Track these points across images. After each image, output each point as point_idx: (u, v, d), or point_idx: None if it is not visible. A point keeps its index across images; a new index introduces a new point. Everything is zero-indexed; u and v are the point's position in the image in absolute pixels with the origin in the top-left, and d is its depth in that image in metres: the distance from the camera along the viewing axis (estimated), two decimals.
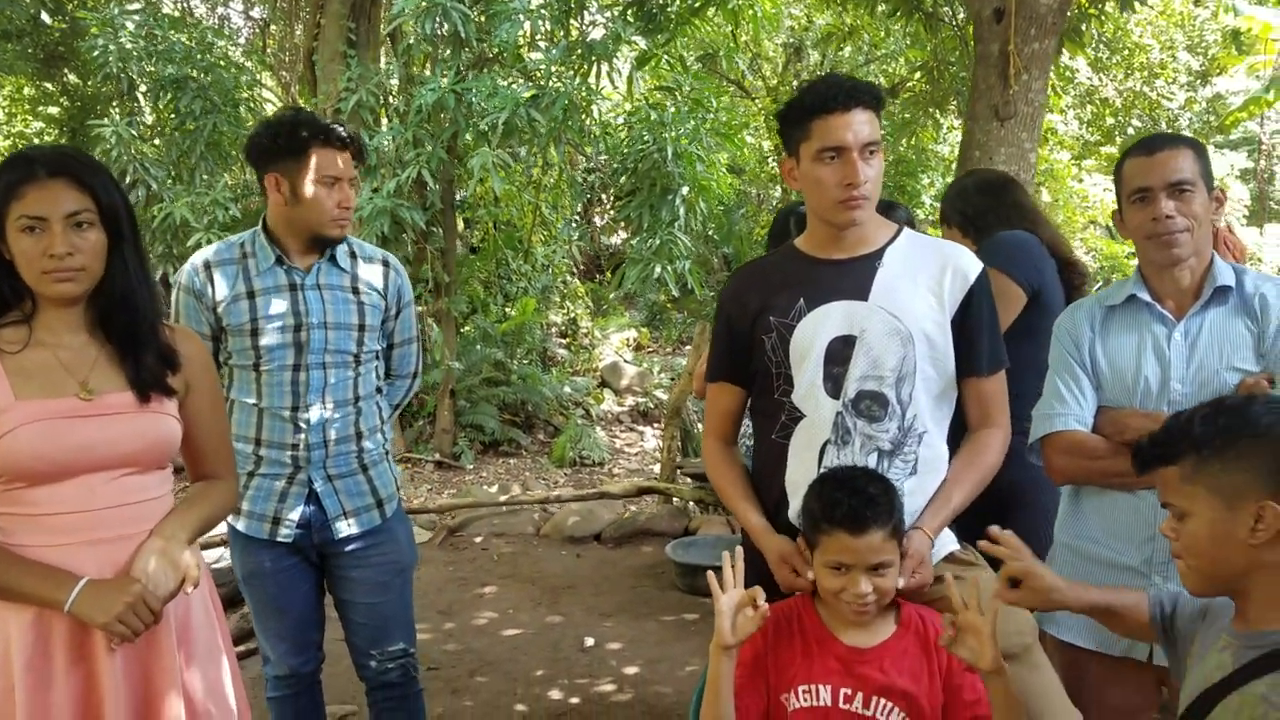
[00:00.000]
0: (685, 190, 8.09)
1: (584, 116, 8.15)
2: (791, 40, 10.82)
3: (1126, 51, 10.87)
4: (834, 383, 2.01)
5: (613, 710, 3.69)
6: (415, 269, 8.95)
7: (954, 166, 9.63)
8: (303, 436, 2.56)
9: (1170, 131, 11.67)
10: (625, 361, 11.18)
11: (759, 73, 12.27)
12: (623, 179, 8.34)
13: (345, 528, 2.62)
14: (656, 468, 8.89)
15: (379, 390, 2.74)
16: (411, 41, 8.72)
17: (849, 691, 1.86)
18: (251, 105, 9.80)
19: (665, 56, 8.61)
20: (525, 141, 7.99)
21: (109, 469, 1.84)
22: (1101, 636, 2.11)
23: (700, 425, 7.68)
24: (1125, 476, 2.05)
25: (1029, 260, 2.74)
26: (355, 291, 2.64)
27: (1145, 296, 2.12)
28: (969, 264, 2.08)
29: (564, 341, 11.16)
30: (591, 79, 8.26)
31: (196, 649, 1.96)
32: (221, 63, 9.26)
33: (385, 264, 2.73)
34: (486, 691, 3.85)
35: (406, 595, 2.78)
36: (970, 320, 2.06)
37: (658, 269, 7.97)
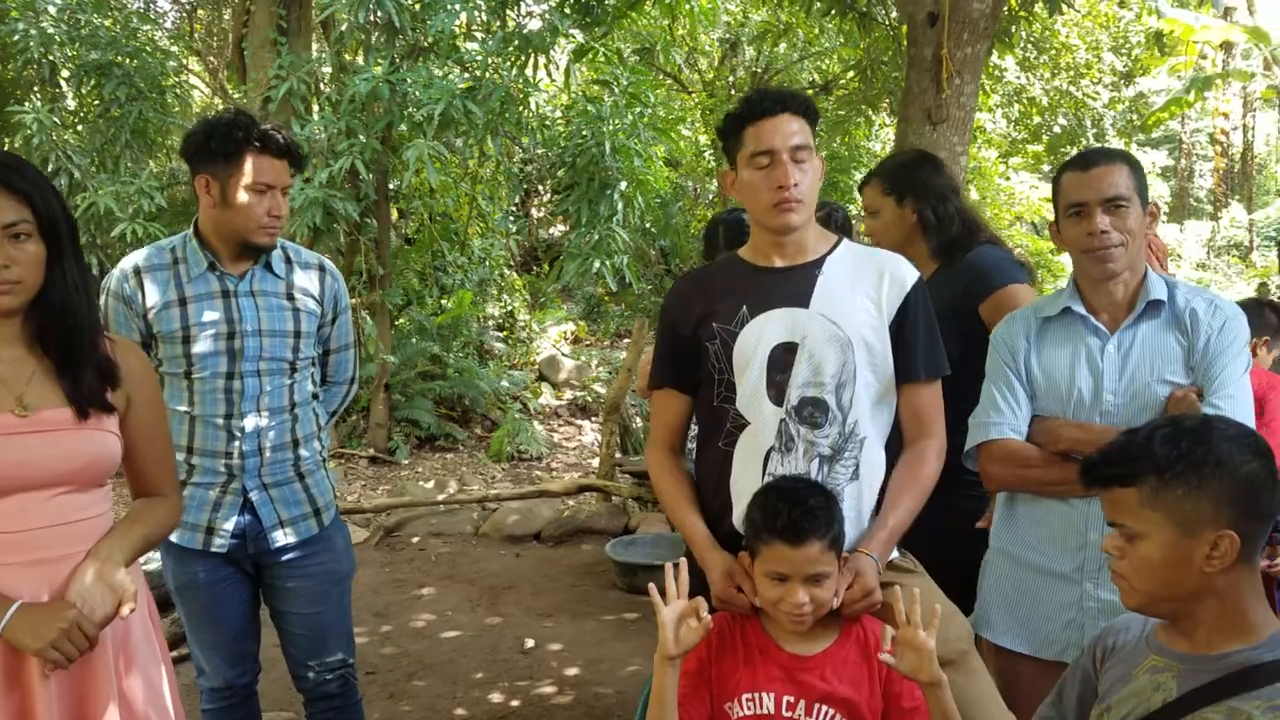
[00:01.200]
0: (623, 185, 8.08)
1: (521, 109, 8.10)
2: (728, 36, 10.85)
3: (1054, 52, 11.10)
4: (777, 390, 2.04)
5: (554, 712, 3.69)
6: (348, 261, 8.83)
7: None
8: (237, 445, 2.52)
9: (1101, 143, 11.97)
10: (563, 355, 11.16)
11: (695, 67, 12.30)
12: (560, 173, 8.31)
13: (281, 537, 2.58)
14: (595, 462, 8.90)
15: (315, 397, 2.70)
16: (344, 29, 8.57)
17: (791, 699, 1.88)
18: (178, 92, 9.59)
19: (602, 50, 8.60)
20: (461, 133, 7.91)
21: (44, 488, 1.79)
22: (1035, 641, 2.17)
23: (640, 421, 7.71)
24: (1058, 485, 2.12)
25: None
26: (290, 298, 2.60)
27: (1080, 309, 2.17)
28: (906, 272, 2.12)
29: (501, 335, 11.10)
30: (528, 71, 8.23)
31: (136, 656, 1.91)
32: (147, 49, 9.05)
33: (321, 269, 2.69)
34: (425, 695, 3.82)
35: (345, 604, 2.74)
36: (907, 326, 2.09)
37: (596, 263, 7.96)
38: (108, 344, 1.94)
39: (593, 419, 10.18)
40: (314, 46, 9.37)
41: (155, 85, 8.86)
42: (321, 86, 9.04)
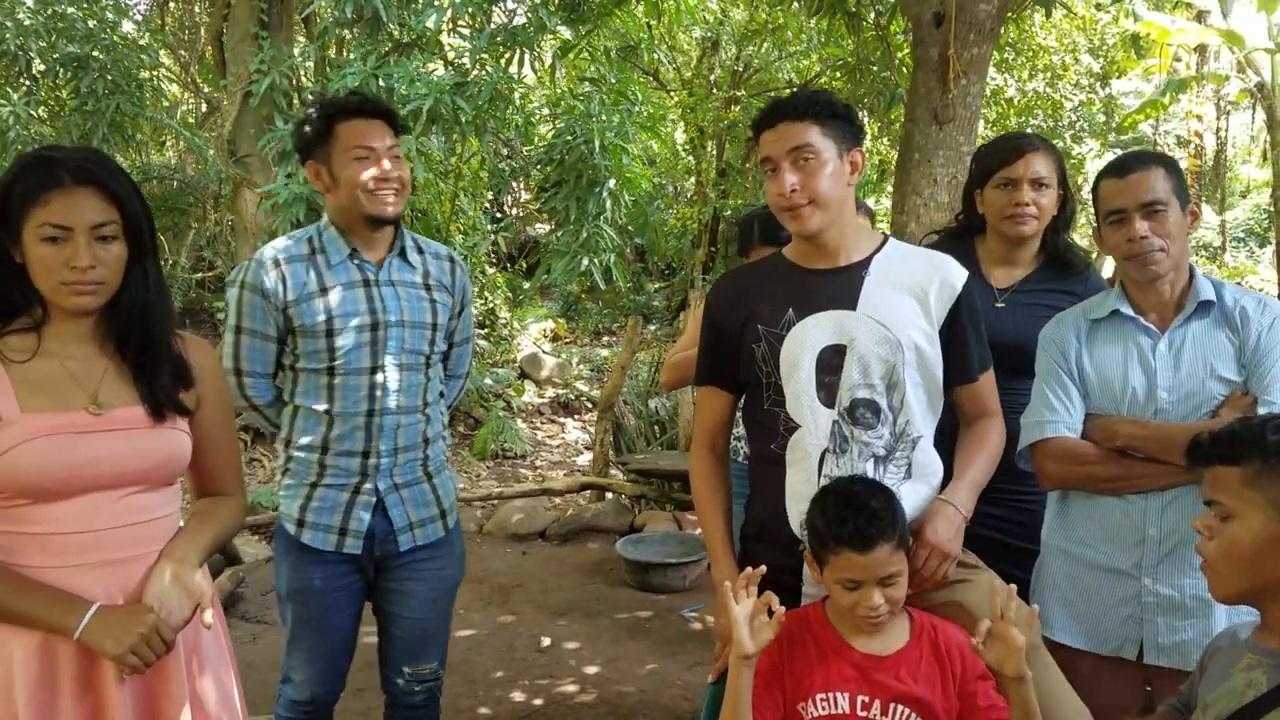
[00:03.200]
0: (611, 183, 8.06)
1: (508, 106, 8.06)
2: (709, 34, 10.86)
3: (1030, 53, 11.21)
4: (828, 392, 2.05)
5: (578, 711, 3.68)
6: None
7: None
8: (375, 444, 2.45)
9: (1078, 144, 12.11)
10: (544, 353, 11.13)
11: (674, 65, 12.30)
12: (547, 169, 8.27)
13: (410, 540, 2.52)
14: (580, 460, 8.88)
15: (441, 395, 2.64)
16: (327, 24, 8.48)
17: (866, 699, 1.88)
18: (155, 86, 9.45)
19: (588, 48, 8.58)
20: (448, 129, 7.85)
21: (116, 487, 1.77)
22: (1093, 637, 2.20)
23: (633, 419, 7.72)
24: (1115, 481, 2.15)
25: None
26: (427, 289, 2.52)
27: (1128, 311, 2.20)
28: (955, 273, 2.13)
29: (483, 332, 11.05)
30: (513, 68, 8.19)
31: (208, 658, 1.89)
32: (124, 42, 8.91)
33: (450, 260, 2.62)
34: (446, 694, 3.68)
35: (449, 612, 2.71)
36: (959, 329, 2.11)
37: (584, 261, 7.94)
38: (179, 342, 1.91)
39: (575, 417, 10.16)
40: (296, 42, 9.24)
41: (132, 79, 8.73)
42: (304, 81, 8.95)
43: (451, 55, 8.89)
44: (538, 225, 12.72)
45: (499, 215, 12.63)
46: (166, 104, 11.34)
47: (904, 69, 8.09)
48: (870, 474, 2.02)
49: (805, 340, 2.06)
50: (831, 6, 7.24)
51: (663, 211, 13.09)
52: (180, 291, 11.61)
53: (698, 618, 4.58)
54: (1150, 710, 2.09)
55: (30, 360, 1.74)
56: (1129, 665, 2.16)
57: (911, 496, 2.04)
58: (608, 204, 8.11)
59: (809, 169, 2.01)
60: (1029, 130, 12.27)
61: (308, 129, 2.41)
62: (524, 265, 12.94)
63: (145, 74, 9.12)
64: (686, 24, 10.70)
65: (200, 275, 12.21)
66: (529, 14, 8.15)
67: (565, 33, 8.29)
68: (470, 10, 7.99)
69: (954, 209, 5.00)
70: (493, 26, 8.13)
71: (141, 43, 9.32)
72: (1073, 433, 2.19)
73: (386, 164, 2.38)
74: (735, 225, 3.49)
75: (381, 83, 7.80)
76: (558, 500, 6.70)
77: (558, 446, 9.50)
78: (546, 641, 4.34)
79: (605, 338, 13.05)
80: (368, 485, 2.46)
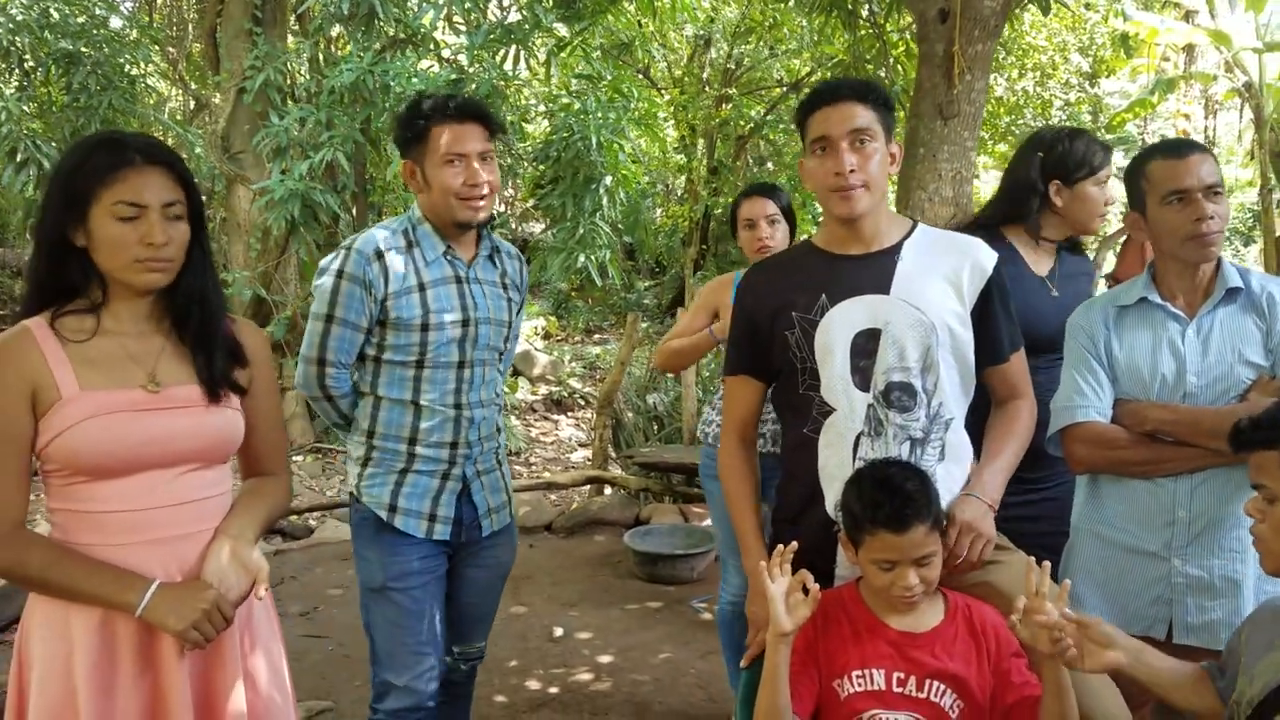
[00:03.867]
0: (608, 180, 8.08)
1: (505, 102, 8.08)
2: (701, 32, 10.90)
3: (1020, 52, 11.29)
4: (862, 376, 2.06)
5: (594, 699, 3.70)
6: (326, 255, 8.74)
7: None
8: (463, 434, 2.49)
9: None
10: (536, 350, 11.14)
11: (665, 63, 12.33)
12: (543, 167, 8.29)
13: (489, 525, 2.58)
14: (574, 456, 8.90)
15: None
16: (322, 20, 8.48)
17: (902, 675, 1.90)
18: (147, 83, 9.43)
19: (581, 45, 8.60)
20: None
21: (173, 465, 1.78)
22: (1123, 617, 2.21)
23: (631, 415, 7.74)
24: (1145, 465, 2.17)
25: None
26: (504, 287, 2.59)
27: (1156, 298, 2.23)
28: (986, 256, 2.15)
29: None
30: (508, 64, 8.21)
31: (259, 635, 1.91)
32: (116, 38, 8.88)
33: (520, 259, 2.68)
34: None
35: (500, 594, 2.79)
36: (990, 311, 2.14)
37: (580, 258, 7.96)
38: (229, 324, 1.93)
39: (569, 414, 10.18)
40: (290, 39, 9.23)
41: (123, 75, 8.71)
42: (298, 78, 8.94)
43: (446, 52, 8.91)
44: (530, 224, 12.73)
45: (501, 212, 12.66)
46: (153, 101, 11.27)
47: (899, 66, 8.16)
48: (905, 456, 2.04)
49: (839, 325, 2.08)
50: (829, 4, 7.28)
51: (651, 210, 13.14)
52: None
53: (707, 608, 4.59)
54: None
55: (90, 340, 1.76)
56: (1158, 645, 2.19)
57: (946, 479, 2.06)
58: (604, 201, 8.14)
59: (866, 152, 2.04)
60: (1018, 129, 12.40)
61: (404, 128, 2.42)
62: None
63: (136, 70, 9.06)
64: (680, 21, 10.75)
65: None
66: (524, 11, 8.18)
67: (561, 30, 8.29)
68: (466, 7, 8.01)
69: (959, 204, 5.05)
70: (489, 23, 8.14)
71: (131, 39, 9.27)
72: (1103, 417, 2.22)
73: (478, 169, 2.39)
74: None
75: (378, 79, 7.82)
76: (553, 496, 6.71)
77: (551, 443, 9.51)
78: (559, 632, 4.35)
79: (596, 335, 13.08)
80: (455, 471, 2.50)
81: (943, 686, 1.90)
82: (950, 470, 2.07)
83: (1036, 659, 1.87)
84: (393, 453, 2.47)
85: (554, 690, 3.77)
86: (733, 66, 11.28)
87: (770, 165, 12.28)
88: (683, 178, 12.73)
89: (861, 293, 2.08)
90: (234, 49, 8.75)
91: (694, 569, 4.94)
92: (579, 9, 8.24)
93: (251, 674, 1.88)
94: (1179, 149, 2.21)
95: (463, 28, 8.59)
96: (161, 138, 12.97)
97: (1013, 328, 2.19)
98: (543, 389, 10.57)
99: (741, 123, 11.45)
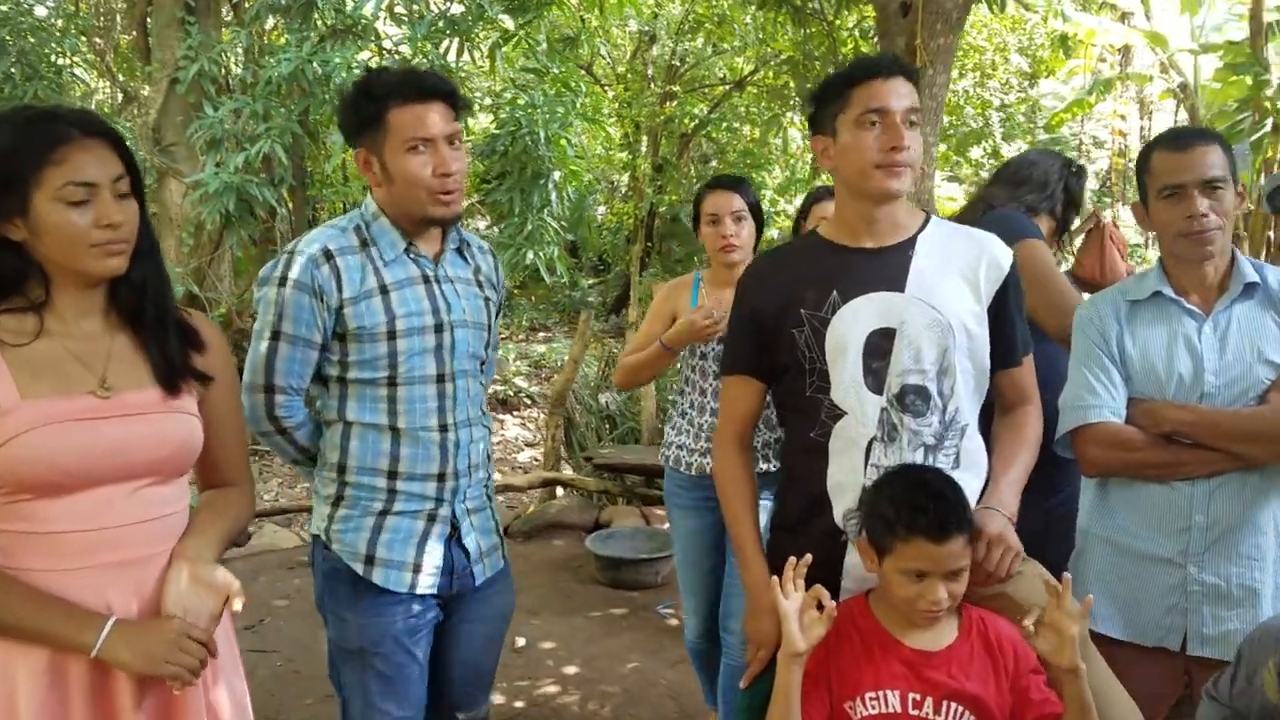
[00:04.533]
0: (556, 175, 7.94)
1: None
2: (646, 28, 10.78)
3: (961, 52, 11.36)
4: (875, 378, 1.96)
5: (561, 713, 3.58)
6: (263, 251, 8.48)
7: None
8: (451, 463, 2.15)
9: (1008, 143, 12.30)
10: None
11: (608, 59, 12.20)
12: (488, 161, 8.11)
13: (482, 571, 2.24)
14: (520, 456, 8.73)
15: None
16: (259, 9, 8.21)
17: (917, 696, 1.82)
18: (75, 73, 9.07)
19: (526, 39, 8.44)
20: None
21: (130, 479, 1.62)
22: (1136, 627, 2.16)
23: (581, 415, 7.60)
24: (1163, 468, 2.10)
25: None
26: (479, 285, 2.26)
27: (1169, 292, 2.16)
28: (1002, 253, 2.06)
29: None
30: (451, 56, 8.02)
31: (222, 665, 1.75)
32: (40, 26, 8.52)
33: (493, 254, 2.38)
34: None
35: (500, 648, 2.44)
36: (1005, 310, 2.04)
37: (529, 254, 7.81)
38: (180, 315, 1.77)
39: (514, 413, 10.01)
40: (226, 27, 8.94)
41: (50, 65, 8.36)
42: (233, 68, 8.66)
43: (387, 43, 8.69)
44: (475, 219, 12.50)
45: None
46: (80, 93, 10.87)
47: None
48: (921, 463, 1.96)
49: (852, 324, 1.97)
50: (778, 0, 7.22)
51: (594, 208, 12.99)
52: None
53: (673, 614, 4.49)
54: (1190, 700, 2.07)
55: (30, 343, 1.58)
56: (1171, 656, 2.13)
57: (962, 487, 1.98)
58: (553, 196, 7.99)
59: (915, 134, 1.95)
60: (962, 130, 12.51)
61: (354, 112, 2.11)
62: None
63: (64, 60, 8.71)
64: (625, 16, 10.62)
65: None
66: (466, 2, 8.00)
67: (507, 22, 8.12)
68: None
69: (919, 199, 5.01)
70: (432, 14, 7.95)
71: (58, 27, 8.90)
72: (1117, 417, 2.15)
73: (447, 156, 2.08)
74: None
75: (319, 69, 7.59)
76: (500, 498, 6.56)
77: (498, 443, 9.34)
78: (521, 642, 4.21)
79: (540, 333, 12.91)
80: (443, 511, 2.17)
81: (960, 708, 1.81)
82: (965, 479, 1.95)
83: (1056, 674, 1.79)
84: (369, 490, 2.14)
85: (520, 704, 3.64)
86: (677, 63, 11.19)
87: (714, 163, 12.21)
88: (626, 175, 12.61)
89: (875, 289, 1.97)
90: (165, 38, 8.45)
91: (658, 573, 4.83)
92: (524, 1, 8.10)
93: (214, 707, 1.73)
94: (1180, 140, 2.14)
95: (405, 18, 8.37)
96: None
97: (1025, 329, 2.10)
98: (493, 388, 10.38)
99: (686, 120, 11.36)
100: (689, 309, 3.07)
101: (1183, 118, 11.19)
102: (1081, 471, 2.25)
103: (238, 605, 1.65)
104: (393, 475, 2.13)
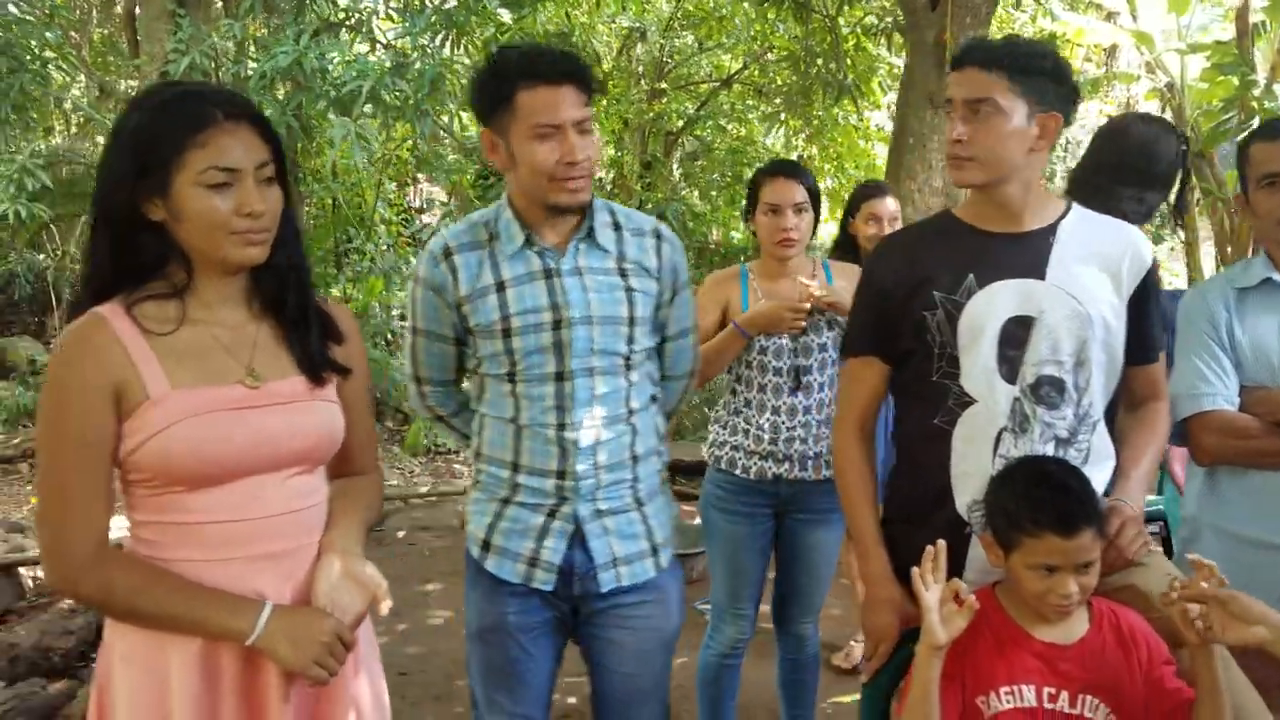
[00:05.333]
0: None
1: (452, 90, 7.83)
2: (636, 25, 10.74)
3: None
4: (1010, 366, 1.92)
5: None
6: None
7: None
8: (570, 461, 2.07)
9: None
10: None
11: (594, 56, 12.15)
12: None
13: (613, 579, 2.13)
14: None
15: (653, 399, 2.22)
16: (252, 3, 8.09)
17: (1053, 690, 1.80)
18: (60, 65, 8.89)
19: (520, 32, 8.39)
20: (395, 114, 7.56)
21: (279, 469, 1.58)
22: None
23: None
24: (1278, 456, 2.10)
25: None
26: (623, 274, 2.11)
27: (1278, 278, 2.16)
28: (1145, 248, 2.04)
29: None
30: (446, 50, 7.95)
31: (365, 657, 1.71)
32: (28, 19, 8.34)
33: (657, 235, 2.18)
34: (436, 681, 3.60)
35: (666, 670, 2.28)
36: (1146, 307, 2.02)
37: None
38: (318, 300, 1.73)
39: None
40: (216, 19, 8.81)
41: (37, 57, 8.18)
42: (222, 61, 8.52)
43: (382, 37, 8.60)
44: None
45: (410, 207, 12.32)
46: (57, 87, 10.67)
47: (850, 60, 8.15)
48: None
49: (988, 309, 1.93)
50: None
51: None
52: (69, 283, 10.99)
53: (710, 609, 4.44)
54: None
55: (176, 331, 1.54)
56: None
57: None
58: None
59: (984, 125, 1.90)
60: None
61: (483, 92, 2.02)
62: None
63: (52, 53, 8.53)
64: (609, 14, 10.58)
65: None
66: None
67: (505, 16, 8.06)
68: None
69: (948, 194, 5.01)
70: (430, 8, 7.87)
71: (41, 20, 8.72)
72: (1230, 405, 2.14)
73: (575, 144, 1.97)
74: None
75: (315, 63, 7.49)
76: (461, 496, 6.45)
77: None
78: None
79: None
80: (565, 509, 2.09)
81: (1096, 701, 1.79)
82: (1093, 474, 1.92)
83: (1188, 661, 1.78)
84: (497, 479, 2.14)
85: (573, 701, 3.60)
86: (668, 60, 11.17)
87: (701, 161, 12.20)
88: (612, 171, 12.56)
89: (1013, 275, 1.94)
90: (154, 31, 8.30)
91: (693, 569, 4.77)
92: None
93: (356, 698, 1.69)
94: (1276, 131, 2.13)
95: (400, 11, 8.29)
96: (60, 126, 12.33)
97: (1160, 325, 2.08)
98: (685, 382, 10.27)
99: (675, 118, 11.35)
100: (739, 302, 2.98)
101: (1168, 117, 11.32)
102: (1194, 460, 2.25)
103: (385, 608, 1.60)
104: (515, 468, 2.12)
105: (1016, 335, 1.92)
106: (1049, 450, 1.93)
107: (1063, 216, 2.01)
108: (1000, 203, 1.98)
